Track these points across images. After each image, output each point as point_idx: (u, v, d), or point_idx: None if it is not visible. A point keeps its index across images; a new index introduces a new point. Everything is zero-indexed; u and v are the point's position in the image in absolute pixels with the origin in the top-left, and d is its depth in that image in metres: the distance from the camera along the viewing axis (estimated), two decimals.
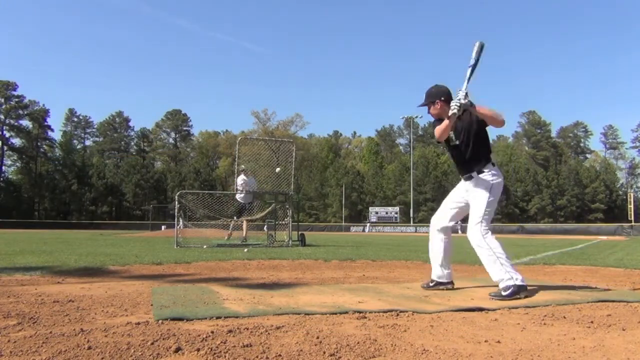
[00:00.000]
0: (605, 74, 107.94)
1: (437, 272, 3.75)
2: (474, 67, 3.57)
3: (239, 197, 11.59)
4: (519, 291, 3.27)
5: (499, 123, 3.52)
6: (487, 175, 3.56)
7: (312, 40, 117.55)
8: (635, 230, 38.05)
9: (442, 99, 3.65)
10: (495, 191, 3.55)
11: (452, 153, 3.77)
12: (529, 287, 3.45)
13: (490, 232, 3.46)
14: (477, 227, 3.47)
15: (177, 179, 67.70)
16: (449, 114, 3.45)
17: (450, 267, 3.78)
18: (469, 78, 3.56)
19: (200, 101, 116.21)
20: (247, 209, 11.56)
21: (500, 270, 3.34)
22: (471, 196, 3.60)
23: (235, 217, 11.69)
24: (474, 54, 3.58)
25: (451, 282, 3.76)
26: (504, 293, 3.27)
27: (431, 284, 3.76)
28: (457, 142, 3.63)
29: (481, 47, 3.60)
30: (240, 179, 11.69)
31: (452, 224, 3.78)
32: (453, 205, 3.77)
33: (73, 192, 66.59)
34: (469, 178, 3.62)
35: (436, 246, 3.78)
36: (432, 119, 3.79)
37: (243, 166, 11.83)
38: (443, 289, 3.69)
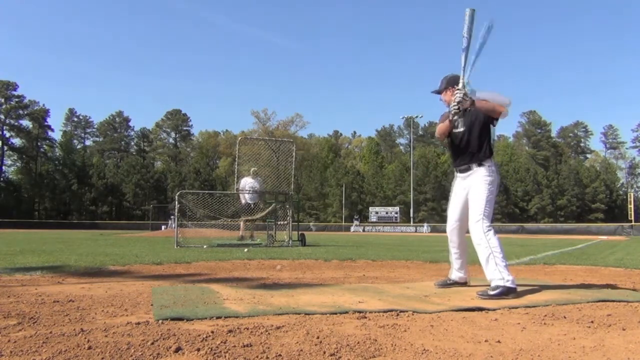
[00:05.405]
0: (606, 74, 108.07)
1: (456, 272, 3.81)
2: (467, 49, 3.25)
3: (248, 197, 11.63)
4: (507, 292, 3.21)
5: (499, 114, 3.38)
6: (487, 169, 3.48)
7: (312, 40, 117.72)
8: (636, 230, 38.00)
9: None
10: (494, 187, 3.47)
11: (454, 140, 3.61)
12: (529, 287, 3.45)
13: (492, 230, 3.38)
14: (479, 224, 3.39)
15: (177, 179, 67.66)
16: (450, 117, 3.34)
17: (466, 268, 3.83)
18: (464, 67, 3.28)
19: (200, 101, 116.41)
20: (252, 209, 11.59)
21: (494, 269, 3.31)
22: (471, 191, 3.51)
23: (242, 217, 11.71)
24: (465, 31, 3.25)
25: (466, 282, 3.81)
26: (490, 292, 3.24)
27: (449, 282, 3.81)
28: (463, 129, 3.54)
29: (472, 18, 3.20)
30: (246, 181, 11.73)
31: (465, 226, 3.66)
32: (458, 209, 3.66)
33: (73, 192, 66.57)
34: (467, 169, 3.53)
35: (455, 251, 3.80)
36: (434, 119, 3.79)
37: (255, 168, 11.81)
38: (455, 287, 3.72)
